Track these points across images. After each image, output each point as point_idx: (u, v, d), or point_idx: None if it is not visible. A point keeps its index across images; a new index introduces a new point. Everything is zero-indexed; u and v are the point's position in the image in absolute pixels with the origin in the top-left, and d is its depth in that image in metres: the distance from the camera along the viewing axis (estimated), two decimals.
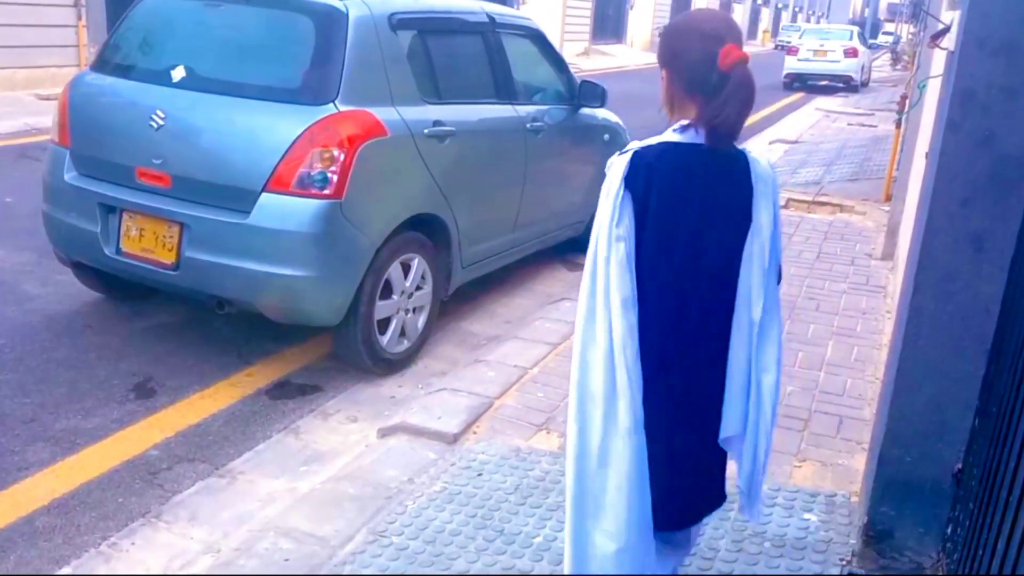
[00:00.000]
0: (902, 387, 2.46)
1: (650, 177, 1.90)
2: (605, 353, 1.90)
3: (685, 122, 1.95)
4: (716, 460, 2.14)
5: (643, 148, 1.94)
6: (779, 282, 2.09)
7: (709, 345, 2.02)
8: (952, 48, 2.52)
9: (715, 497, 2.19)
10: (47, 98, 10.48)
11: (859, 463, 3.22)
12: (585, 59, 24.88)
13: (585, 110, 5.54)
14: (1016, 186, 2.23)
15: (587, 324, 1.92)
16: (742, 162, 2.00)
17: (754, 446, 2.08)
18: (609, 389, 1.89)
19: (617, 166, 1.93)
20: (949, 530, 2.42)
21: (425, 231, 4.18)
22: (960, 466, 2.40)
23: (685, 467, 2.06)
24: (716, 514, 2.31)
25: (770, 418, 2.07)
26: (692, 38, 1.96)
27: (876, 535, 2.58)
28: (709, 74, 1.89)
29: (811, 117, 15.45)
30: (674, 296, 1.96)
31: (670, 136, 1.96)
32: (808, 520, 2.89)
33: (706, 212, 1.96)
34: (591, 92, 5.41)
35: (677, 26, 2.06)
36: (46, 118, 7.55)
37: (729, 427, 2.06)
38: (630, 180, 1.90)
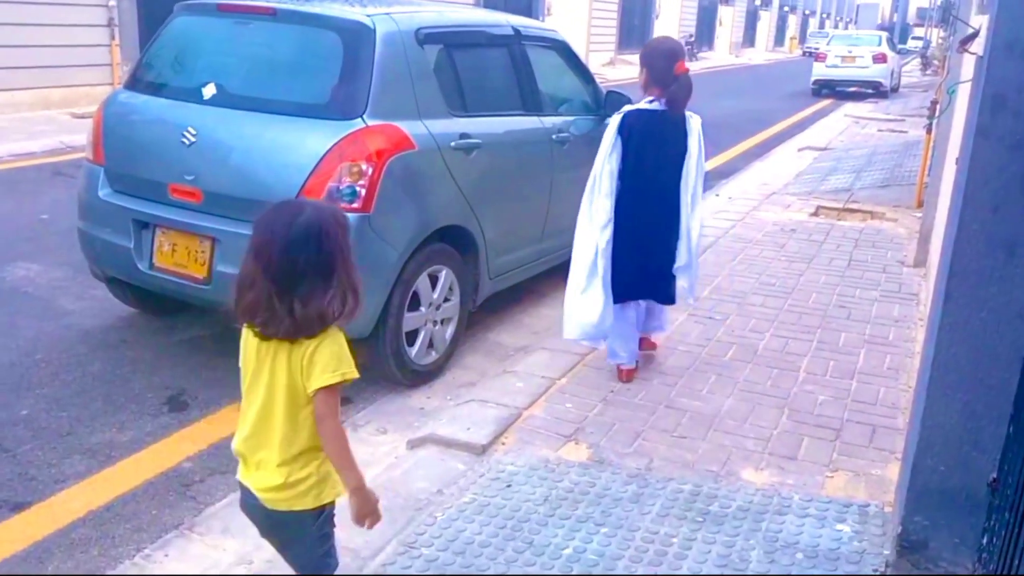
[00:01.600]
0: (935, 395, 2.43)
1: (632, 127, 3.74)
2: (594, 228, 3.76)
3: (651, 98, 3.78)
4: (668, 273, 3.99)
5: (630, 110, 3.80)
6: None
7: (667, 214, 3.87)
8: (981, 53, 2.49)
9: (667, 296, 4.09)
10: (81, 116, 10.67)
11: (892, 473, 3.18)
12: (611, 69, 24.88)
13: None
14: None
15: (587, 206, 3.80)
16: (682, 118, 3.81)
17: (690, 266, 3.98)
18: (595, 247, 3.75)
19: (615, 120, 3.77)
20: (984, 540, 2.38)
21: (452, 243, 4.21)
22: (995, 475, 2.36)
23: (651, 272, 3.94)
24: (747, 524, 2.91)
25: (696, 251, 3.97)
26: (662, 55, 3.78)
27: (910, 545, 2.55)
28: (669, 75, 3.72)
29: (840, 123, 15.34)
30: (645, 191, 3.78)
31: (644, 104, 3.80)
32: (841, 531, 2.86)
33: (662, 146, 3.78)
34: (617, 102, 5.40)
35: (654, 47, 3.88)
36: (80, 136, 7.71)
37: (681, 260, 3.94)
38: (622, 129, 3.73)
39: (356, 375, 1.98)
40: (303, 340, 1.93)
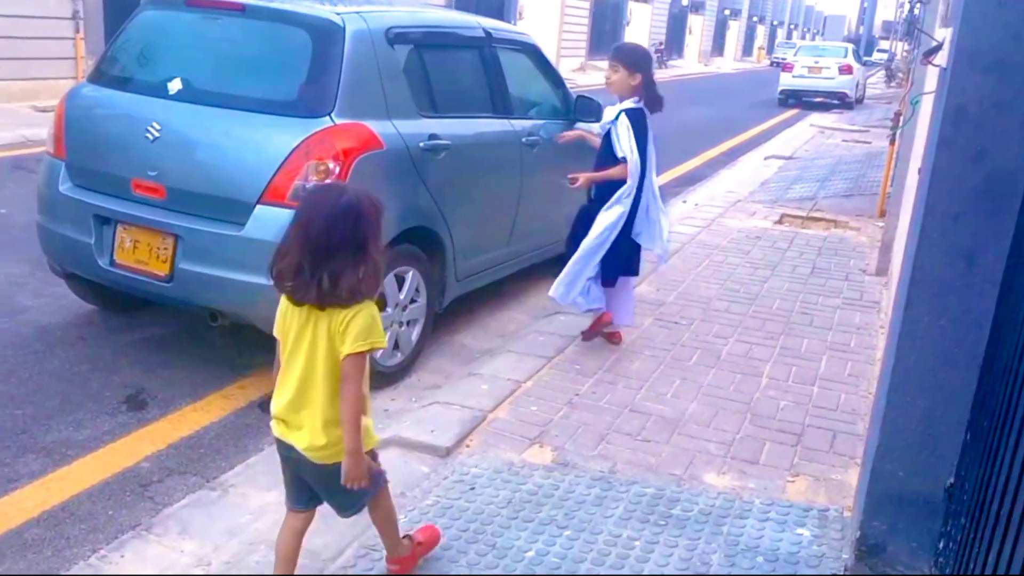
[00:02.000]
0: (895, 402, 2.46)
1: (636, 123, 4.24)
2: (621, 212, 4.30)
3: (637, 98, 4.26)
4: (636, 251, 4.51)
5: (629, 110, 4.24)
6: None
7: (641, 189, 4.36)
8: (944, 65, 2.54)
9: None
10: (44, 110, 10.49)
11: (852, 478, 3.21)
12: (581, 74, 24.97)
13: (581, 125, 5.54)
14: (1007, 201, 2.24)
15: (621, 195, 4.26)
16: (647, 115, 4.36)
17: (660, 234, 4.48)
18: (612, 229, 4.28)
19: (624, 119, 4.22)
20: (941, 545, 2.42)
21: (420, 244, 4.19)
22: (952, 480, 2.40)
23: (625, 255, 4.42)
24: (709, 528, 2.92)
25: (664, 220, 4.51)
26: (649, 61, 4.45)
27: (869, 550, 2.58)
28: (653, 79, 4.32)
29: (806, 133, 15.53)
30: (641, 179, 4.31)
31: (632, 104, 4.26)
32: (801, 535, 2.89)
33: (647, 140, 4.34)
34: (587, 107, 5.42)
35: (644, 54, 4.46)
36: (42, 130, 7.57)
37: (637, 227, 4.40)
38: (634, 125, 4.22)
39: (383, 345, 2.24)
40: (339, 310, 2.17)
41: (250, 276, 3.62)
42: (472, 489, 3.07)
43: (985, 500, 1.84)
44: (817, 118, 18.39)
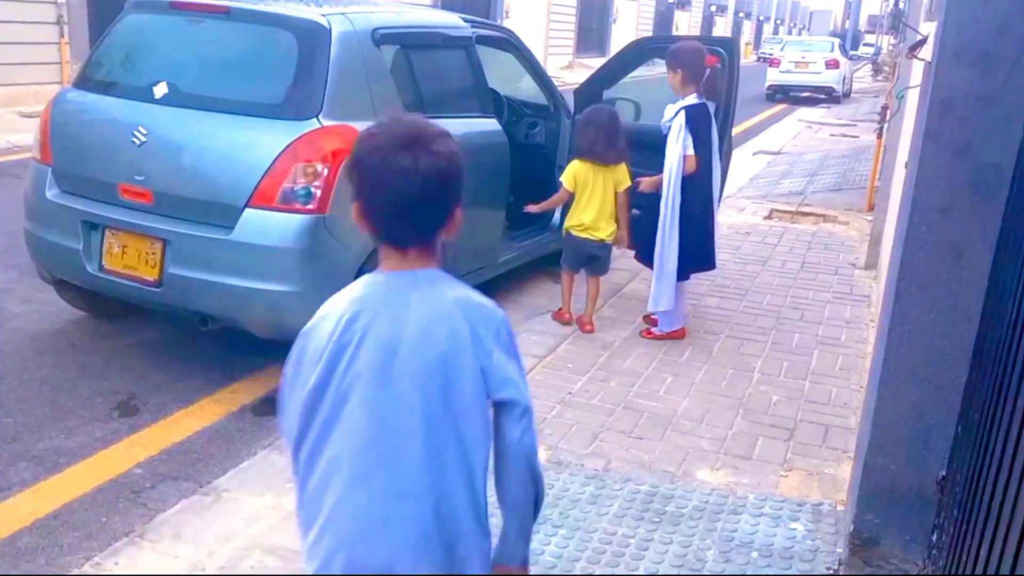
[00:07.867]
0: (885, 395, 2.48)
1: (696, 121, 4.38)
2: None
3: (695, 95, 4.36)
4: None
5: (688, 106, 4.35)
6: None
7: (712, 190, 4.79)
8: (930, 59, 2.55)
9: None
10: (29, 115, 10.42)
11: (845, 472, 3.23)
12: (569, 72, 24.95)
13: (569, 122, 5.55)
14: (994, 194, 2.25)
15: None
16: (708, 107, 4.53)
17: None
18: None
19: (680, 118, 4.39)
20: (934, 537, 2.43)
21: None
22: (944, 473, 2.41)
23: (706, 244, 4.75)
24: (703, 524, 2.92)
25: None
26: (694, 53, 4.41)
27: (862, 543, 2.59)
28: (703, 70, 4.39)
29: (793, 128, 15.57)
30: (707, 175, 4.56)
31: (694, 100, 4.37)
32: (795, 529, 2.90)
33: (711, 133, 4.53)
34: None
35: (689, 49, 4.44)
36: (28, 135, 7.52)
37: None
38: (689, 123, 4.37)
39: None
40: (615, 167, 4.44)
41: (240, 280, 3.61)
42: None
43: (977, 492, 1.85)
44: (805, 113, 18.45)
